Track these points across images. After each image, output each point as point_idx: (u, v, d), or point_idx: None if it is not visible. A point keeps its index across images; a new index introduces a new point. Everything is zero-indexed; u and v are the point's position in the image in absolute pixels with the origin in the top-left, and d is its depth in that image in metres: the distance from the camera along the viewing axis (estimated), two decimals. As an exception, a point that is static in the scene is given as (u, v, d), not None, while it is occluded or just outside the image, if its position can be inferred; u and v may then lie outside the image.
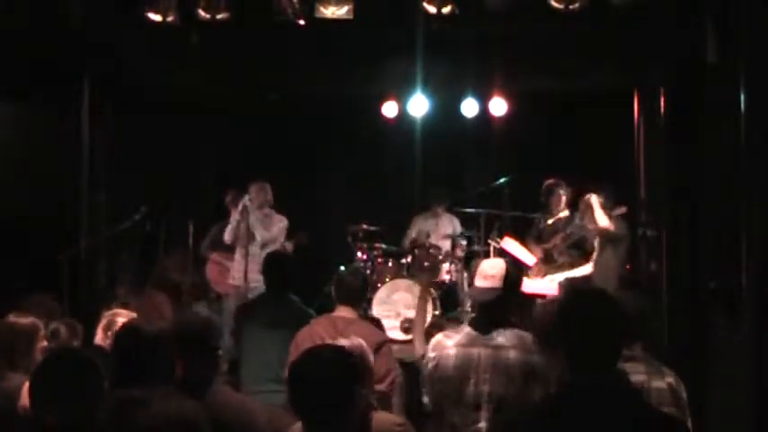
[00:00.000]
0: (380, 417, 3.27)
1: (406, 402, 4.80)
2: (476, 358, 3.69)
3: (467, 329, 3.83)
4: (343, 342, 3.43)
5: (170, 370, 3.39)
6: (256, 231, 7.91)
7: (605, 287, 6.57)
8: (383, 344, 4.58)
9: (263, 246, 7.85)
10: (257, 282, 7.28)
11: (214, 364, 3.58)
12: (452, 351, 3.74)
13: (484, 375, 3.66)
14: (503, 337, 3.71)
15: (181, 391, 3.24)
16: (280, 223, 8.11)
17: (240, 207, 7.85)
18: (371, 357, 3.56)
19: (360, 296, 4.81)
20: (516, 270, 4.09)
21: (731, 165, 5.59)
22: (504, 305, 3.79)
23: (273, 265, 5.72)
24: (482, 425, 3.62)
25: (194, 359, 3.46)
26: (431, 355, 3.83)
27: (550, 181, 7.81)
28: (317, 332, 4.55)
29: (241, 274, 7.69)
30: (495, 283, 3.80)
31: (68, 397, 2.86)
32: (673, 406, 3.58)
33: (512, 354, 3.66)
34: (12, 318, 4.14)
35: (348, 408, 2.68)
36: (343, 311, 4.76)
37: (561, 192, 7.76)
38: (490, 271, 3.85)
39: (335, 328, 4.52)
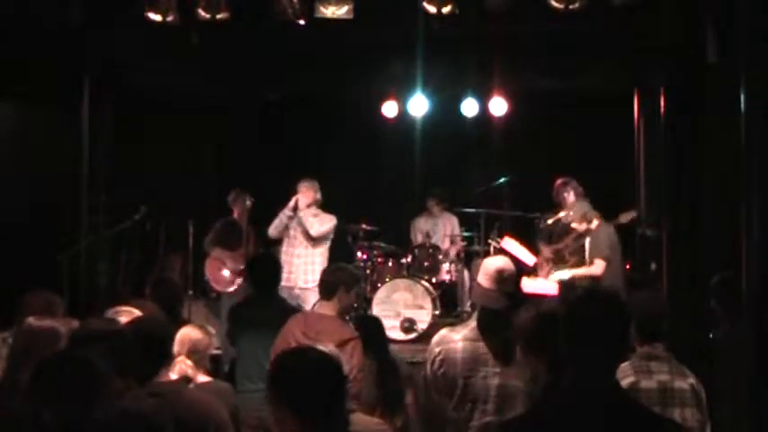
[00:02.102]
0: (360, 418, 3.25)
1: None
2: (484, 351, 3.65)
3: (473, 324, 3.77)
4: (320, 347, 3.40)
5: (128, 368, 3.40)
6: (312, 228, 7.75)
7: (615, 289, 6.61)
8: (348, 341, 4.49)
9: (314, 244, 7.81)
10: (310, 282, 7.48)
11: (161, 362, 3.62)
12: (460, 345, 3.69)
13: (494, 369, 3.62)
14: None
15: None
16: (330, 222, 7.90)
17: (293, 203, 7.75)
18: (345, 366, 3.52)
19: (327, 290, 4.73)
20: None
21: (731, 165, 5.58)
22: (512, 313, 3.61)
23: (260, 265, 5.75)
24: (489, 419, 3.59)
25: (146, 358, 3.50)
26: (436, 350, 3.75)
27: (560, 180, 7.64)
28: (290, 329, 4.63)
29: (287, 274, 7.45)
30: (509, 288, 3.72)
31: (67, 396, 2.86)
32: (694, 407, 3.57)
33: None
34: (32, 321, 4.14)
35: (332, 409, 2.66)
36: (321, 307, 4.80)
37: (571, 190, 7.57)
38: (501, 274, 3.73)
39: (306, 324, 4.60)
